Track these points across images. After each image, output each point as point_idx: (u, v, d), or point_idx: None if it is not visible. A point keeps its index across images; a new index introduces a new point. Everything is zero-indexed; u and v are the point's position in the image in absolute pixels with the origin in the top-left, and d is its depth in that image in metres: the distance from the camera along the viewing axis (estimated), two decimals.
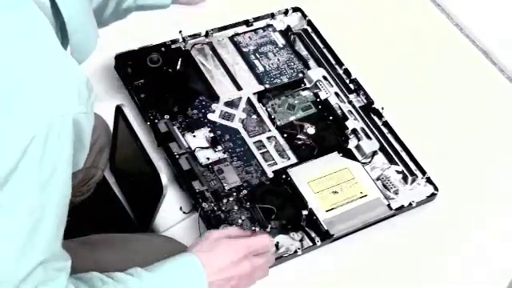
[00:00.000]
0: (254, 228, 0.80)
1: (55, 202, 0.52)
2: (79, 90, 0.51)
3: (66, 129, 0.50)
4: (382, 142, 0.92)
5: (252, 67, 0.96)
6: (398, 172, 0.90)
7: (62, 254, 0.56)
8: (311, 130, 0.91)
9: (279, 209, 0.82)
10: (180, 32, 0.95)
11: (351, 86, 0.97)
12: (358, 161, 0.89)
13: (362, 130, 0.92)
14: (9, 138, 0.48)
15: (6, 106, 0.48)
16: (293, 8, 1.03)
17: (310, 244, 0.81)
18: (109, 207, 0.90)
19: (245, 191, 0.83)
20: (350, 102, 0.96)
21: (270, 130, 0.90)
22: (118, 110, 0.79)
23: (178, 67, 0.93)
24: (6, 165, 0.48)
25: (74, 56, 0.58)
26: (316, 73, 0.97)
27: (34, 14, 0.51)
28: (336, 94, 0.96)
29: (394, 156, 0.91)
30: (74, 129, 0.51)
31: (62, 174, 0.51)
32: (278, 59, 0.98)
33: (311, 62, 1.00)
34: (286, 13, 1.03)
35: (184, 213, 0.85)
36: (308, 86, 0.97)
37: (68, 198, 0.54)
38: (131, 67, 0.91)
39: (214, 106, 0.91)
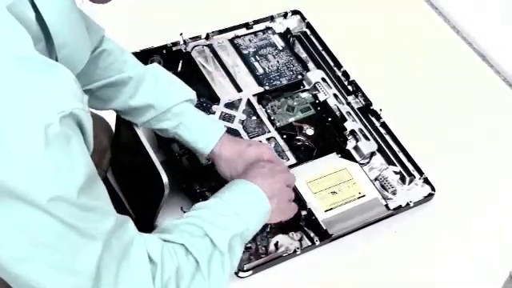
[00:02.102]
0: None
1: (81, 186, 0.51)
2: (72, 88, 0.51)
3: (68, 124, 0.50)
4: (380, 142, 0.93)
5: (252, 69, 0.97)
6: (396, 172, 0.90)
7: (121, 219, 0.57)
8: (310, 131, 0.92)
9: None
10: (181, 34, 0.96)
11: (350, 87, 0.98)
12: (357, 161, 0.90)
13: (361, 131, 0.93)
14: (16, 145, 0.48)
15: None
16: (292, 11, 1.04)
17: (309, 244, 0.81)
18: None
19: None
20: (349, 104, 0.97)
21: (269, 131, 0.91)
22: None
23: (179, 69, 0.94)
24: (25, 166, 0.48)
25: None
26: (315, 75, 0.98)
27: (5, 27, 0.50)
28: (335, 95, 0.96)
29: (391, 157, 0.92)
30: (75, 123, 0.51)
31: (80, 162, 0.51)
32: (278, 61, 0.99)
33: (310, 64, 1.01)
34: (285, 16, 1.04)
35: (185, 213, 0.85)
36: (307, 87, 0.97)
37: (96, 177, 0.54)
38: None
39: (214, 107, 0.91)
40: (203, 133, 0.78)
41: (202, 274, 0.62)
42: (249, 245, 0.80)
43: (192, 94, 0.79)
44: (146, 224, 0.85)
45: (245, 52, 0.99)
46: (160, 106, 0.76)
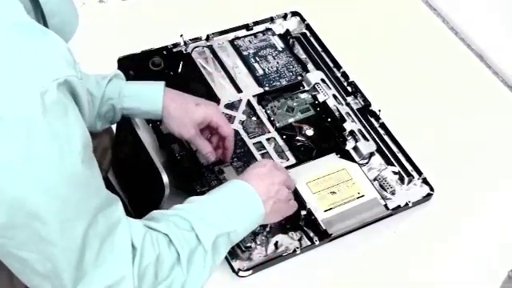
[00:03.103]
0: None
1: (80, 155, 0.52)
2: (64, 56, 0.51)
3: (63, 92, 0.50)
4: (379, 143, 0.93)
5: (252, 70, 0.98)
6: (395, 173, 0.91)
7: (111, 198, 0.58)
8: (310, 132, 0.93)
9: None
10: (181, 36, 0.96)
11: (349, 88, 0.99)
12: (356, 162, 0.90)
13: (360, 131, 0.93)
14: (9, 111, 0.48)
15: None
16: (292, 12, 1.05)
17: (309, 243, 0.82)
18: None
19: None
20: (348, 105, 0.97)
21: (269, 132, 0.92)
22: None
23: (180, 70, 0.95)
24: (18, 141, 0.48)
25: None
26: (314, 76, 0.98)
27: None
28: (334, 96, 0.97)
29: (390, 157, 0.92)
30: (69, 91, 0.51)
31: (76, 131, 0.52)
32: (278, 62, 1.00)
33: (310, 65, 1.01)
34: (285, 17, 1.04)
35: None
36: (307, 88, 0.98)
37: (91, 148, 0.55)
38: (133, 70, 0.91)
39: None
40: (146, 94, 0.77)
41: (182, 266, 0.61)
42: (249, 244, 0.80)
43: (117, 71, 0.79)
44: None
45: (245, 53, 1.00)
46: (95, 92, 0.76)
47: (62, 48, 0.52)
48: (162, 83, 0.78)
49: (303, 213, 0.83)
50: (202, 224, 0.64)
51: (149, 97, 0.77)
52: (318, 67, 1.01)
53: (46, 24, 0.57)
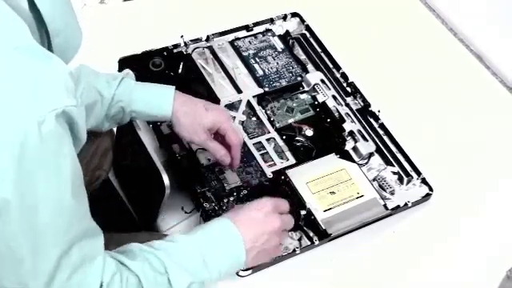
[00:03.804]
0: None
1: (69, 185, 0.52)
2: (65, 83, 0.51)
3: (61, 123, 0.50)
4: (379, 143, 0.93)
5: (252, 71, 0.98)
6: (394, 173, 0.91)
7: (93, 230, 0.57)
8: (309, 132, 0.93)
9: None
10: (181, 36, 0.97)
11: (348, 89, 0.99)
12: (355, 162, 0.91)
13: (359, 132, 0.94)
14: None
15: None
16: (291, 13, 1.05)
17: (308, 243, 0.82)
18: (112, 207, 0.91)
19: (245, 191, 0.85)
20: (347, 105, 0.97)
21: (269, 132, 0.92)
22: None
23: (180, 71, 0.95)
24: (6, 162, 0.48)
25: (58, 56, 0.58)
26: (314, 76, 0.98)
27: (1, 15, 0.50)
28: (333, 96, 0.97)
29: (389, 157, 0.92)
30: (66, 122, 0.51)
31: (68, 162, 0.52)
32: (277, 63, 1.00)
33: (309, 66, 1.01)
34: (284, 18, 1.05)
35: (186, 212, 0.86)
36: (306, 89, 0.98)
37: (81, 179, 0.55)
38: (134, 71, 0.91)
39: None
40: (156, 99, 0.77)
41: None
42: None
43: (127, 70, 0.78)
44: (146, 224, 0.86)
45: (245, 54, 1.00)
46: (105, 94, 0.75)
47: (64, 74, 0.52)
48: (172, 88, 0.78)
49: (303, 213, 0.83)
50: (176, 269, 0.63)
51: (159, 102, 0.77)
52: (317, 68, 1.01)
53: (49, 43, 0.57)
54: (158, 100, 0.77)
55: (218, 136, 0.80)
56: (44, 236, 0.52)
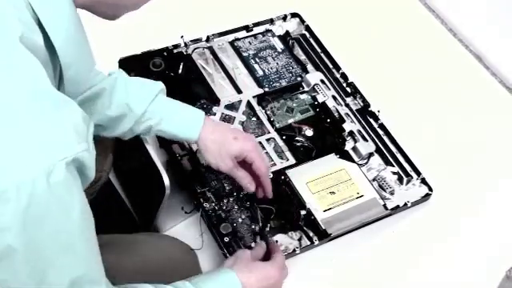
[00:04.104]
0: (254, 227, 0.82)
1: (77, 230, 0.52)
2: (76, 128, 0.50)
3: (70, 171, 0.49)
4: (378, 143, 0.94)
5: (252, 71, 0.98)
6: (394, 173, 0.91)
7: (99, 278, 0.56)
8: (309, 132, 0.93)
9: (278, 208, 0.84)
10: (182, 37, 0.97)
11: (348, 89, 0.99)
12: (355, 162, 0.91)
13: (359, 132, 0.94)
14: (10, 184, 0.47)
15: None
16: (291, 14, 1.05)
17: (308, 243, 0.82)
18: (113, 207, 0.91)
19: (245, 191, 0.84)
20: (347, 105, 0.98)
21: (269, 132, 0.92)
22: None
23: (180, 71, 0.95)
24: (17, 206, 0.47)
25: (68, 89, 0.58)
26: (314, 77, 0.99)
27: (21, 60, 0.49)
28: (333, 97, 0.97)
29: (389, 157, 0.93)
30: (76, 167, 0.50)
31: (76, 207, 0.51)
32: (277, 63, 1.00)
33: (309, 66, 1.02)
34: (284, 18, 1.05)
35: (186, 212, 0.86)
36: (306, 89, 0.99)
37: (91, 221, 0.54)
38: (135, 71, 0.92)
39: (214, 108, 0.92)
40: (185, 122, 0.77)
41: None
42: (249, 244, 0.81)
43: (161, 85, 0.78)
44: (146, 224, 0.86)
45: (245, 54, 1.00)
46: (137, 108, 0.75)
47: (77, 119, 0.51)
48: (201, 113, 0.78)
49: (303, 213, 0.84)
50: None
51: (188, 126, 0.77)
52: (317, 68, 1.01)
53: (61, 75, 0.56)
54: (187, 124, 0.77)
55: (246, 163, 0.79)
56: (48, 277, 0.51)
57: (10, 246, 0.49)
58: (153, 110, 0.76)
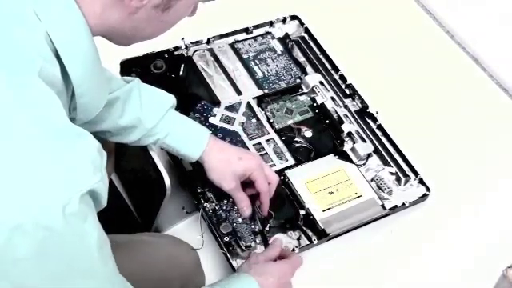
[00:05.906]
0: (254, 226, 0.83)
1: (95, 255, 0.52)
2: (93, 161, 0.50)
3: (85, 201, 0.49)
4: (376, 144, 0.94)
5: (251, 73, 0.99)
6: (392, 173, 0.92)
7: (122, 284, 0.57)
8: (308, 133, 0.94)
9: (277, 208, 0.84)
10: (182, 39, 0.98)
11: (347, 90, 1.00)
12: (353, 163, 0.92)
13: (357, 133, 0.95)
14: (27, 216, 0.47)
15: (18, 189, 0.46)
16: (291, 16, 1.06)
17: (307, 242, 0.83)
18: (114, 207, 0.91)
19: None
20: (346, 107, 0.98)
21: (268, 133, 0.93)
22: None
23: (181, 73, 0.96)
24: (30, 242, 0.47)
25: (80, 116, 0.59)
26: (313, 78, 0.99)
27: (39, 97, 0.49)
28: (332, 98, 0.98)
29: (387, 158, 0.93)
30: (91, 197, 0.50)
31: (93, 234, 0.51)
32: (277, 65, 1.01)
33: (308, 68, 1.02)
34: (284, 21, 1.06)
35: (186, 212, 0.87)
36: (305, 90, 0.99)
37: (107, 243, 0.54)
38: (136, 73, 0.93)
39: (215, 109, 0.93)
40: (190, 139, 0.78)
41: None
42: (249, 244, 0.81)
43: (172, 99, 0.78)
44: (147, 224, 0.87)
45: (245, 56, 1.01)
46: (148, 122, 0.75)
47: (92, 151, 0.51)
48: (207, 133, 0.78)
49: (302, 213, 0.84)
50: None
51: (192, 145, 0.77)
52: (316, 70, 1.02)
53: (74, 102, 0.57)
54: (192, 142, 0.78)
55: (251, 181, 0.80)
56: None
57: (28, 276, 0.49)
58: (162, 126, 0.76)
